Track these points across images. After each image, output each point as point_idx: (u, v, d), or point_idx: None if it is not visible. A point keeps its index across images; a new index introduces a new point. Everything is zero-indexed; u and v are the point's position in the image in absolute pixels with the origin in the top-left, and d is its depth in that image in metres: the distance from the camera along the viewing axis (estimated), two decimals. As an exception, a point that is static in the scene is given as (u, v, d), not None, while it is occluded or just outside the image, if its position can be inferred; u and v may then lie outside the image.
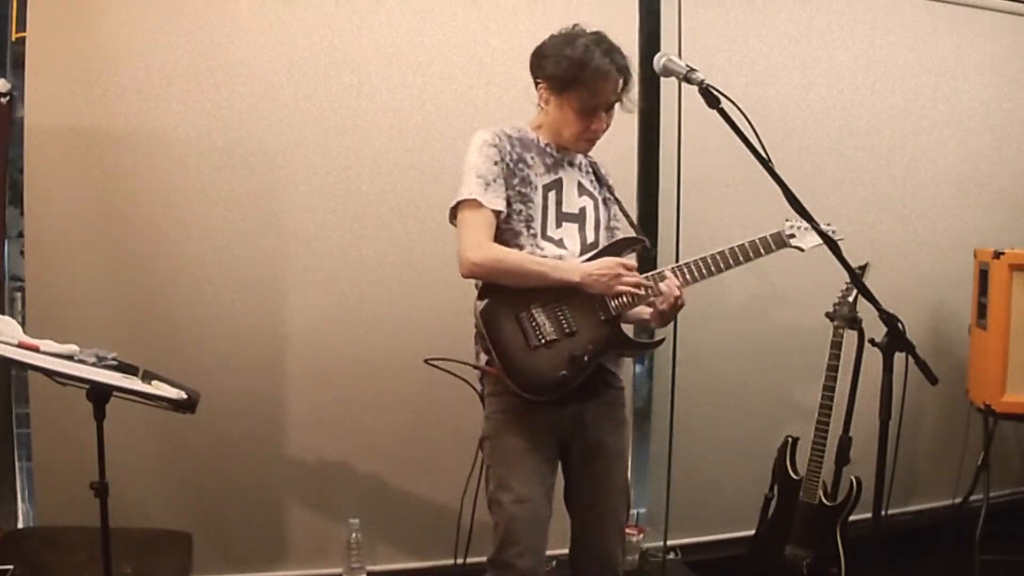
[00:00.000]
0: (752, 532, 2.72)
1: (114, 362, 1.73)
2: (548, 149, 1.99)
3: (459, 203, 1.89)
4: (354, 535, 2.59)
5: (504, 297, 1.88)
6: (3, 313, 2.21)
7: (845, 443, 2.56)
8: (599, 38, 1.90)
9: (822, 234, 1.74)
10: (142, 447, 2.47)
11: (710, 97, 1.66)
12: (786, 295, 3.08)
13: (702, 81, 1.66)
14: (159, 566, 2.14)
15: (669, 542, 2.94)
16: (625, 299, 1.90)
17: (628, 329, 2.04)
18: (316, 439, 2.67)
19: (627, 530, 2.65)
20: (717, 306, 3.00)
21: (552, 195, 1.97)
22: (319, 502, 2.70)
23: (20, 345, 1.65)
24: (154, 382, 1.74)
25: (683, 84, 1.71)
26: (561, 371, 1.85)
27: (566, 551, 2.06)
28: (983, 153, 3.40)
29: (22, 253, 2.36)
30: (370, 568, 2.66)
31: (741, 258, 1.96)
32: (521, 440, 1.89)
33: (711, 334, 3.02)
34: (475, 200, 1.86)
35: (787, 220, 1.97)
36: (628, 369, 2.86)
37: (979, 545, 2.84)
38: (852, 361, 2.60)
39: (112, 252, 2.47)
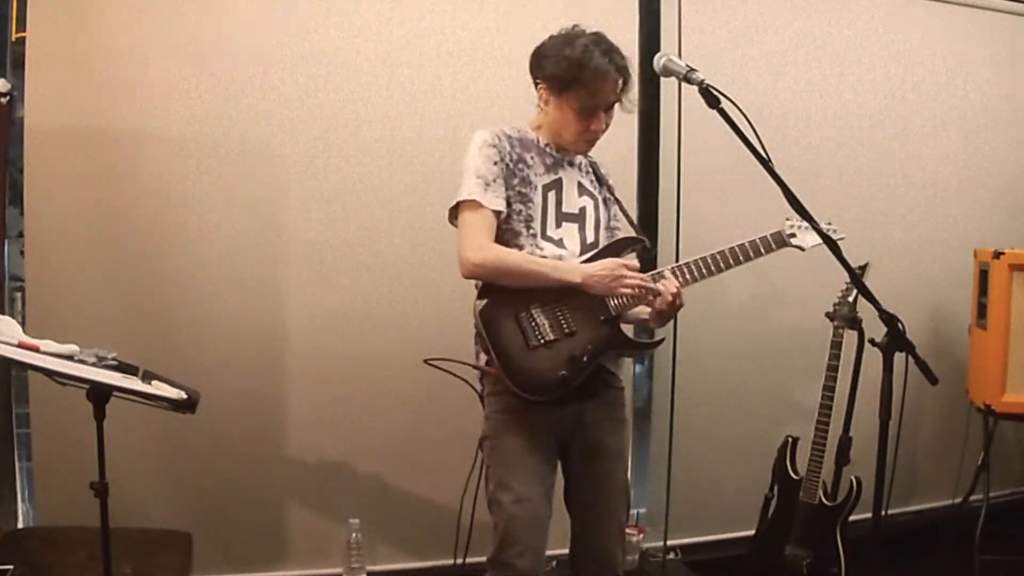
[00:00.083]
0: (752, 532, 2.72)
1: (114, 362, 1.73)
2: (548, 149, 1.99)
3: (459, 203, 1.89)
4: (354, 535, 2.59)
5: (504, 297, 1.88)
6: (3, 313, 2.21)
7: (845, 443, 2.56)
8: (598, 38, 1.90)
9: (822, 234, 1.74)
10: (142, 447, 2.47)
11: (710, 97, 1.66)
12: (786, 295, 3.08)
13: (702, 81, 1.66)
14: (159, 566, 2.14)
15: (669, 542, 2.94)
16: (624, 299, 1.90)
17: (628, 329, 2.04)
18: (316, 439, 2.67)
19: (627, 530, 2.64)
20: (717, 306, 3.00)
21: (552, 195, 1.97)
22: (319, 502, 2.70)
23: (20, 345, 1.65)
24: (154, 382, 1.74)
25: (683, 84, 1.71)
26: (561, 371, 1.85)
27: (566, 551, 2.06)
28: (983, 153, 3.40)
29: (22, 253, 2.36)
30: (370, 568, 2.66)
31: (741, 258, 1.95)
32: (521, 440, 1.89)
33: (711, 334, 3.02)
34: (475, 200, 1.87)
35: (787, 219, 1.97)
36: (628, 369, 2.86)
37: (979, 545, 2.84)
38: (852, 361, 2.60)
39: (112, 252, 2.47)
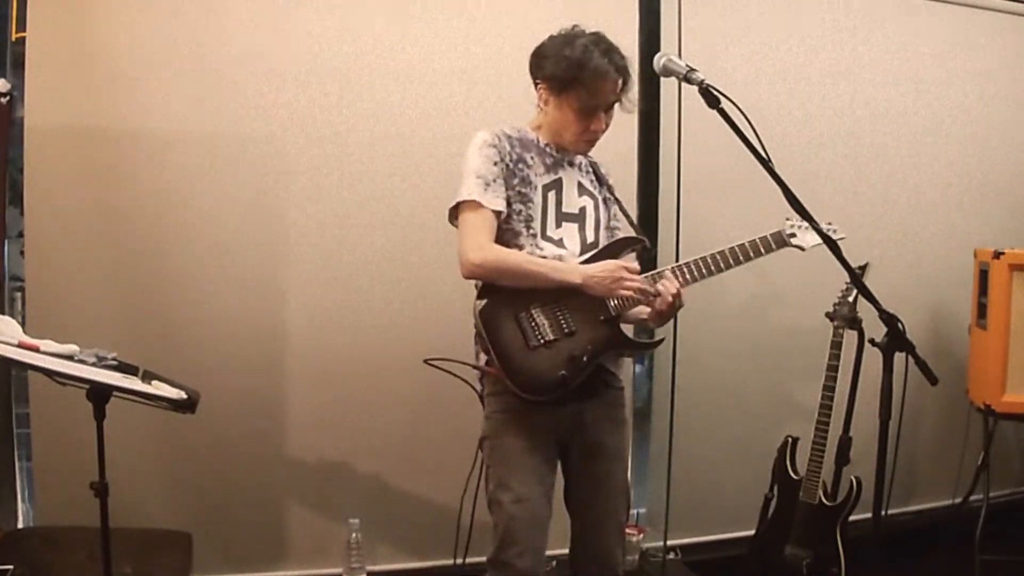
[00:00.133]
0: (752, 532, 2.72)
1: (114, 362, 1.73)
2: (548, 149, 1.99)
3: (459, 204, 1.89)
4: (354, 535, 2.59)
5: (503, 297, 1.88)
6: (3, 313, 2.21)
7: (845, 443, 2.56)
8: (598, 38, 1.90)
9: (822, 234, 1.74)
10: (142, 447, 2.47)
11: (710, 97, 1.66)
12: (786, 295, 3.08)
13: (702, 81, 1.66)
14: (159, 566, 2.14)
15: (669, 542, 2.94)
16: (624, 299, 1.90)
17: (628, 329, 2.04)
18: (316, 439, 2.67)
19: (627, 530, 2.64)
20: (717, 306, 3.00)
21: (552, 195, 1.97)
22: (319, 502, 2.70)
23: (20, 345, 1.65)
24: (154, 382, 1.74)
25: (683, 84, 1.70)
26: (560, 371, 1.85)
27: (566, 551, 2.06)
28: (983, 153, 3.40)
29: (22, 253, 2.36)
30: (370, 568, 2.66)
31: (741, 258, 1.95)
32: (521, 440, 1.89)
33: (711, 334, 3.02)
34: (475, 201, 1.87)
35: (787, 219, 1.97)
36: (628, 369, 2.86)
37: (979, 545, 2.84)
38: (852, 361, 2.60)
39: (112, 252, 2.47)
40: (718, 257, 1.94)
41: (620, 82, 1.91)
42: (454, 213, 1.92)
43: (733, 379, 3.10)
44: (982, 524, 2.86)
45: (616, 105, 1.94)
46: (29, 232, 2.36)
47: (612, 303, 1.90)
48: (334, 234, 2.64)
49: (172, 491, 2.53)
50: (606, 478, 2.00)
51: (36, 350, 1.65)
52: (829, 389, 2.52)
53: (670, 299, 1.88)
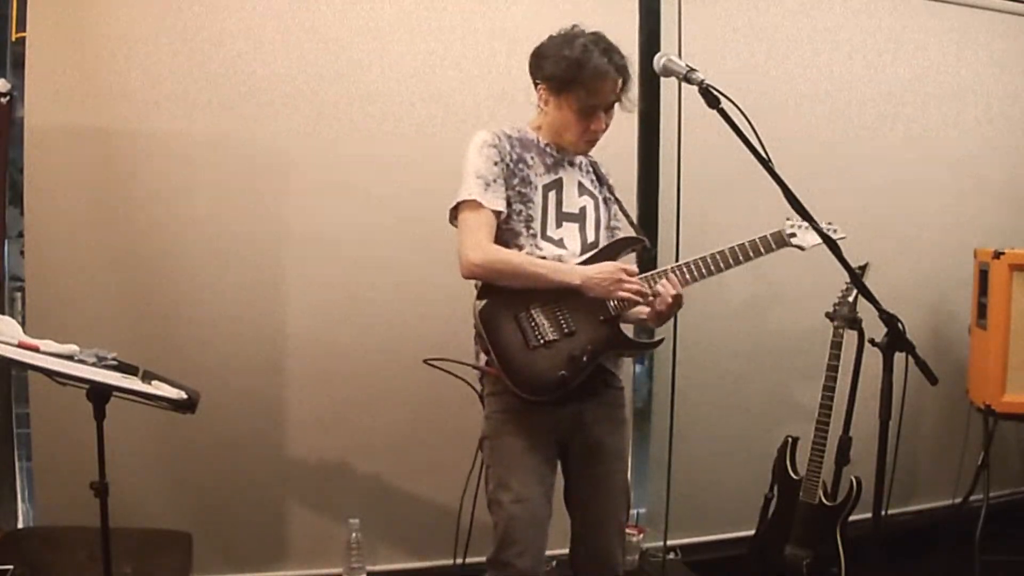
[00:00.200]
0: (752, 532, 2.72)
1: (114, 362, 1.73)
2: (548, 149, 1.99)
3: (459, 204, 1.90)
4: (354, 535, 2.59)
5: (503, 297, 1.88)
6: (3, 313, 2.20)
7: (845, 443, 2.55)
8: (597, 38, 1.90)
9: (822, 234, 1.74)
10: (142, 447, 2.47)
11: (710, 97, 1.66)
12: (786, 295, 3.08)
13: (702, 81, 1.66)
14: (159, 566, 2.14)
15: (669, 542, 2.94)
16: (624, 300, 1.90)
17: (628, 329, 2.04)
18: (316, 439, 2.67)
19: (627, 530, 2.64)
20: (717, 306, 3.00)
21: (552, 195, 1.97)
22: (319, 502, 2.70)
23: (20, 345, 1.65)
24: (154, 382, 1.74)
25: (683, 84, 1.71)
26: (560, 371, 1.85)
27: (566, 551, 2.06)
28: (983, 153, 3.40)
29: (22, 253, 2.36)
30: (370, 568, 2.66)
31: (741, 258, 1.96)
32: (520, 440, 1.89)
33: (711, 334, 3.02)
34: (475, 201, 1.87)
35: (787, 219, 1.97)
36: (628, 369, 2.86)
37: (979, 545, 2.84)
38: (852, 361, 2.59)
39: (112, 252, 2.47)
40: (718, 257, 1.94)
41: (620, 82, 1.91)
42: (454, 213, 1.92)
43: (733, 379, 3.10)
44: (982, 524, 2.86)
45: (616, 105, 1.94)
46: (29, 232, 2.36)
47: (612, 303, 1.90)
48: (334, 234, 2.64)
49: (172, 491, 2.53)
50: (606, 478, 2.00)
51: (36, 350, 1.65)
52: (829, 389, 2.52)
53: (669, 300, 1.89)
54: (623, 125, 2.25)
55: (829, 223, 2.01)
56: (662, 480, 2.98)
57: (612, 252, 1.97)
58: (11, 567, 1.97)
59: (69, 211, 2.42)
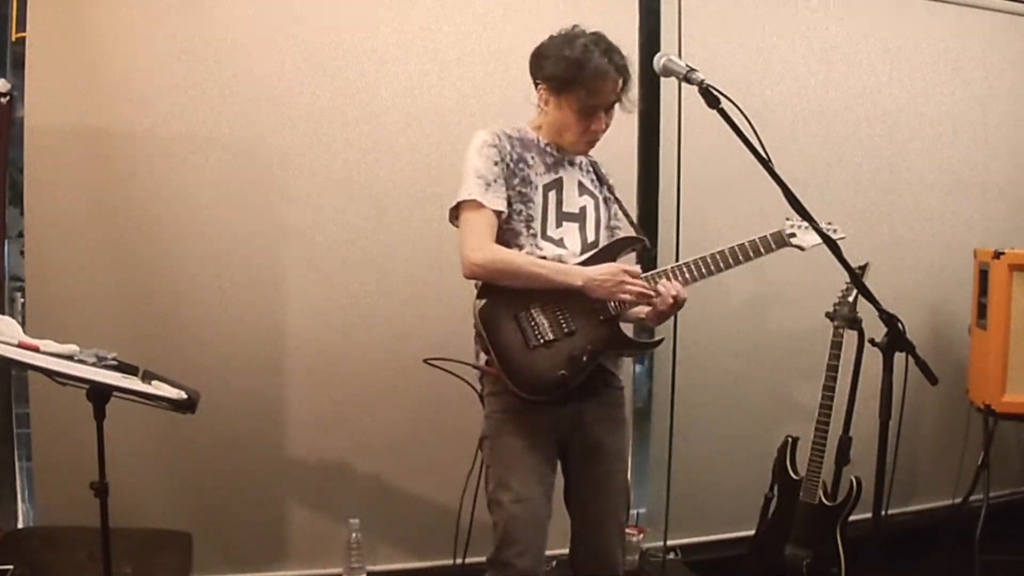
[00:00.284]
0: (752, 532, 2.72)
1: (114, 362, 1.73)
2: (548, 149, 1.99)
3: (460, 204, 1.90)
4: (354, 535, 2.59)
5: (503, 297, 1.88)
6: (3, 313, 2.21)
7: (845, 443, 2.55)
8: (598, 38, 1.90)
9: (822, 234, 1.74)
10: (142, 447, 2.47)
11: (710, 97, 1.66)
12: (786, 295, 3.08)
13: (702, 81, 1.66)
14: (159, 566, 2.14)
15: (669, 542, 2.94)
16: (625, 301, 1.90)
17: (628, 329, 2.04)
18: (316, 439, 2.67)
19: (627, 530, 2.64)
20: (717, 306, 3.00)
21: (552, 195, 1.97)
22: (319, 502, 2.70)
23: (20, 345, 1.65)
24: (154, 382, 1.74)
25: (683, 84, 1.71)
26: (560, 371, 1.85)
27: (566, 551, 2.06)
28: (983, 153, 3.40)
29: (22, 253, 2.36)
30: (370, 568, 2.66)
31: (741, 257, 1.96)
32: (520, 440, 1.89)
33: (711, 334, 3.02)
34: (476, 201, 1.87)
35: (787, 219, 1.97)
36: (628, 369, 2.86)
37: (979, 545, 2.84)
38: (852, 361, 2.59)
39: (112, 252, 2.47)
40: (718, 257, 1.94)
41: (620, 82, 1.91)
42: (455, 213, 1.92)
43: (733, 379, 3.10)
44: (982, 524, 2.86)
45: (616, 105, 1.94)
46: (29, 232, 2.36)
47: (612, 303, 1.90)
48: (334, 234, 2.64)
49: (172, 491, 2.53)
50: (606, 478, 2.00)
51: (36, 350, 1.65)
52: (829, 389, 2.52)
53: (671, 301, 1.89)
54: (623, 125, 2.25)
55: (829, 223, 2.01)
56: (662, 480, 2.98)
57: (612, 252, 1.97)
58: (11, 567, 1.97)
59: (69, 211, 2.42)
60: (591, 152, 2.05)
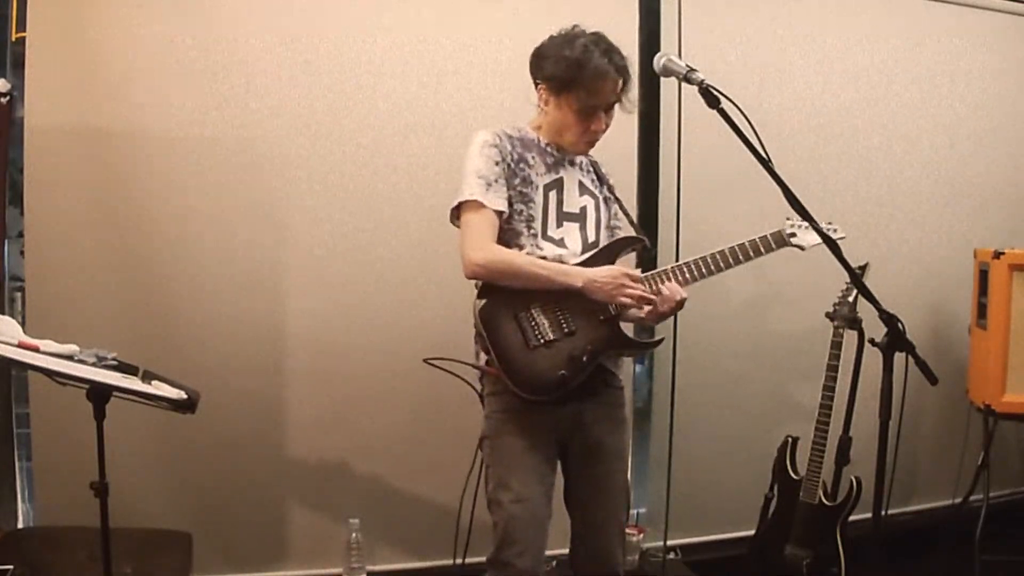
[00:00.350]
0: (752, 532, 2.72)
1: (114, 362, 1.73)
2: (548, 149, 1.99)
3: (460, 204, 1.90)
4: (354, 535, 2.59)
5: (503, 297, 1.88)
6: (3, 313, 2.21)
7: (845, 443, 2.55)
8: (598, 38, 1.90)
9: (822, 234, 1.74)
10: (142, 447, 2.47)
11: (710, 97, 1.66)
12: (786, 295, 3.08)
13: (702, 81, 1.67)
14: (159, 566, 2.14)
15: (669, 542, 2.94)
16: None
17: (628, 328, 2.04)
18: (316, 439, 2.67)
19: (627, 530, 2.64)
20: (717, 306, 2.99)
21: (553, 195, 1.97)
22: (319, 502, 2.70)
23: (20, 345, 1.65)
24: (154, 382, 1.74)
25: (683, 84, 1.71)
26: (560, 371, 1.85)
27: (566, 551, 2.07)
28: (983, 153, 3.39)
29: (22, 253, 2.36)
30: (370, 568, 2.66)
31: (741, 257, 1.96)
32: (520, 439, 1.89)
33: (711, 334, 3.02)
34: (477, 201, 1.87)
35: (787, 219, 1.97)
36: (628, 369, 2.86)
37: (979, 545, 2.84)
38: (852, 361, 2.59)
39: (112, 252, 2.47)
40: (718, 257, 1.95)
41: (620, 82, 1.91)
42: (456, 213, 1.92)
43: (733, 379, 3.10)
44: (982, 524, 2.86)
45: (616, 105, 1.94)
46: (29, 232, 2.36)
47: (612, 304, 1.90)
48: (334, 234, 2.64)
49: (172, 491, 2.53)
50: (606, 478, 2.01)
51: (36, 350, 1.65)
52: (829, 389, 2.52)
53: (672, 302, 1.89)
54: (623, 125, 2.25)
55: (829, 223, 2.02)
56: (662, 480, 2.98)
57: (612, 252, 1.97)
58: (11, 567, 1.97)
59: (69, 211, 2.42)
60: (591, 152, 2.05)
